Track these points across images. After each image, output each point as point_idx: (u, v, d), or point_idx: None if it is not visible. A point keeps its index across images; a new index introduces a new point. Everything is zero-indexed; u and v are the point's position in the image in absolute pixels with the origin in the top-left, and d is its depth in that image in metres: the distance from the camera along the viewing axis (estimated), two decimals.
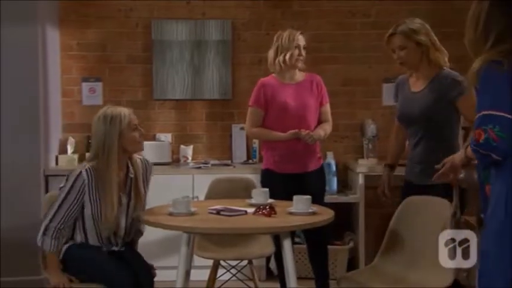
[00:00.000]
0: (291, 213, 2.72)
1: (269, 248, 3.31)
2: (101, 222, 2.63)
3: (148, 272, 2.76)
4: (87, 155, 2.88)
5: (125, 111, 2.65)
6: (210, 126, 4.57)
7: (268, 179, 3.37)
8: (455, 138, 2.89)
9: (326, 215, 2.73)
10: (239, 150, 4.47)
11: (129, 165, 2.71)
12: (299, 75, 3.46)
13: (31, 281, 3.84)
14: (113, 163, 2.60)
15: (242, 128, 4.48)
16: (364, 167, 4.21)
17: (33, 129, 3.96)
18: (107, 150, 2.60)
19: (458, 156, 2.26)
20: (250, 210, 2.76)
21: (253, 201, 2.93)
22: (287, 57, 3.36)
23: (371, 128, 4.38)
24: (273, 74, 3.48)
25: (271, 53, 3.44)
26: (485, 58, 1.93)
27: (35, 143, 3.97)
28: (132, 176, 2.71)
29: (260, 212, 2.69)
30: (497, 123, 1.84)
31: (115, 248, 2.74)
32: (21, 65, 3.94)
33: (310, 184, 3.31)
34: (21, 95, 3.94)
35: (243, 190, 3.32)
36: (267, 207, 2.70)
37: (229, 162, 4.41)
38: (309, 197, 2.78)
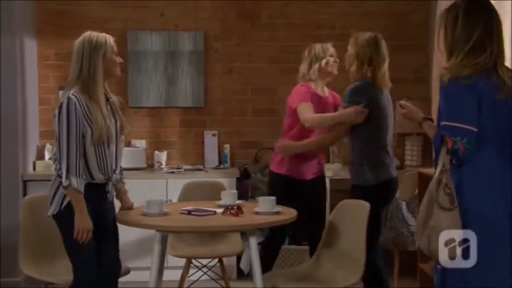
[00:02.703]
0: (256, 213, 2.92)
1: (238, 247, 3.50)
2: (96, 129, 2.63)
3: (116, 274, 2.82)
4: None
5: (108, 36, 2.76)
6: (183, 132, 4.74)
7: (285, 185, 3.40)
8: (365, 141, 3.13)
9: (289, 214, 2.93)
10: (211, 156, 4.65)
11: (106, 90, 2.78)
12: (326, 90, 3.54)
13: (9, 283, 3.95)
14: (99, 78, 2.67)
15: (214, 135, 4.68)
16: (330, 171, 4.42)
17: (11, 136, 4.09)
18: (92, 67, 2.65)
19: (417, 115, 2.42)
20: (219, 210, 2.94)
21: (222, 202, 3.11)
22: (323, 63, 3.43)
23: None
24: (304, 83, 3.47)
25: (304, 66, 3.49)
26: (456, 71, 2.14)
27: (14, 149, 4.10)
28: (111, 99, 2.80)
29: (228, 212, 2.88)
30: (465, 136, 2.12)
31: (116, 176, 2.77)
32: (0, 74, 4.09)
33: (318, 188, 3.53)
34: (0, 103, 4.07)
35: (214, 193, 3.46)
36: (235, 207, 2.90)
37: (201, 167, 4.58)
38: (273, 197, 2.99)
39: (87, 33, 2.74)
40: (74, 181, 2.60)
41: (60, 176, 2.63)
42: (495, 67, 2.19)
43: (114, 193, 2.87)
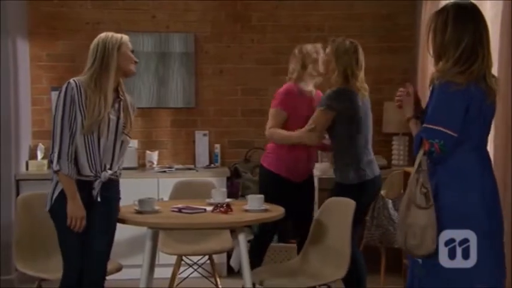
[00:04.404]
0: (246, 211, 2.99)
1: (228, 244, 3.58)
2: (89, 117, 2.61)
3: (95, 276, 2.72)
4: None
5: (124, 36, 2.76)
6: (174, 133, 4.81)
7: (279, 184, 3.46)
8: (345, 143, 3.23)
9: (277, 211, 3.02)
10: (202, 156, 4.72)
11: (119, 89, 2.75)
12: (312, 88, 3.60)
13: (3, 281, 3.99)
14: (112, 70, 2.66)
15: (205, 135, 4.75)
16: (318, 170, 4.50)
17: (4, 136, 4.13)
18: (106, 59, 2.66)
19: (409, 111, 2.42)
20: (209, 208, 3.02)
21: (212, 200, 3.18)
22: (309, 69, 3.50)
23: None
24: (293, 83, 3.55)
25: (294, 66, 3.55)
26: (450, 77, 2.19)
27: (7, 149, 4.14)
28: (122, 98, 2.76)
29: (218, 210, 2.96)
30: (443, 139, 2.19)
31: (106, 174, 2.69)
32: None
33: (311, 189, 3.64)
34: None
35: (204, 192, 3.53)
36: (224, 205, 2.98)
37: (192, 166, 4.64)
38: (262, 196, 3.07)
39: (103, 33, 2.76)
40: (65, 166, 2.58)
41: (51, 161, 2.61)
42: (484, 74, 2.24)
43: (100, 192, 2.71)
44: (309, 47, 3.58)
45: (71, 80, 2.66)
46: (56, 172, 2.61)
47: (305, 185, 3.56)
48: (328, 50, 3.33)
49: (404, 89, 2.43)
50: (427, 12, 4.13)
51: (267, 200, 3.26)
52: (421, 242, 2.19)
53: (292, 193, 3.44)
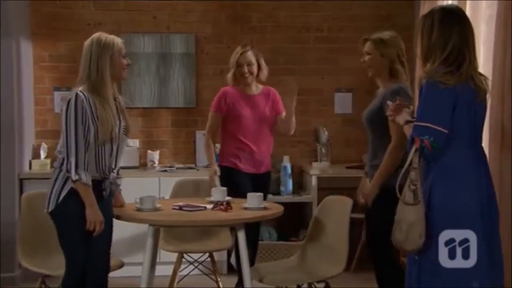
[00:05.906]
0: (245, 209, 3.05)
1: (228, 242, 3.63)
2: (102, 130, 2.66)
3: (100, 273, 2.78)
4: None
5: (117, 38, 2.77)
6: (175, 132, 4.86)
7: (227, 175, 3.65)
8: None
9: (275, 209, 3.07)
10: (202, 155, 4.74)
11: (114, 90, 2.80)
12: (256, 88, 3.77)
13: (6, 278, 4.04)
14: (107, 79, 2.70)
15: (205, 134, 4.79)
16: (317, 169, 4.56)
17: (8, 136, 4.18)
18: (100, 70, 2.69)
19: (402, 119, 2.43)
20: (209, 206, 3.08)
21: (212, 198, 3.22)
22: (229, 74, 3.71)
23: (325, 135, 4.75)
24: (233, 86, 3.76)
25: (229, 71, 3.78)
26: (435, 77, 2.24)
27: (10, 148, 4.19)
28: (118, 99, 2.82)
29: (218, 208, 3.01)
30: (432, 135, 2.22)
31: (114, 175, 2.77)
32: None
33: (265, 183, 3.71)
34: None
35: (204, 191, 3.61)
36: (224, 203, 3.04)
37: (193, 165, 4.70)
38: (261, 194, 3.12)
39: (97, 34, 2.77)
40: (83, 175, 2.64)
41: (68, 171, 2.65)
42: (471, 75, 2.29)
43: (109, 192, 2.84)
44: (233, 56, 3.69)
45: (79, 92, 2.68)
46: (75, 182, 2.65)
47: (257, 178, 3.66)
48: (367, 48, 3.02)
49: (392, 103, 2.47)
50: (424, 12, 4.18)
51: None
52: (406, 237, 2.23)
53: (242, 184, 3.52)
